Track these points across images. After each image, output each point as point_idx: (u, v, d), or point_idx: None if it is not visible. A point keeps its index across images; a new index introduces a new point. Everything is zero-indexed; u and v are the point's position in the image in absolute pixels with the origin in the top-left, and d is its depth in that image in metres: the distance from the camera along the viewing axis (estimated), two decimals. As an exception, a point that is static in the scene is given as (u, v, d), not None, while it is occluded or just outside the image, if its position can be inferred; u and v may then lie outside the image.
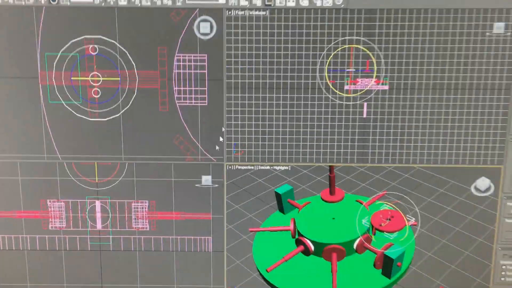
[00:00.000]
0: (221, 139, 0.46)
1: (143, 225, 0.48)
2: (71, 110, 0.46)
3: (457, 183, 0.46)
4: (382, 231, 0.47)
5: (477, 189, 0.46)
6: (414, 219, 0.47)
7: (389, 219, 0.47)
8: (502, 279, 0.47)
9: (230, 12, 0.44)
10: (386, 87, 0.45)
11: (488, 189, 0.46)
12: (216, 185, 0.47)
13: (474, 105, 0.45)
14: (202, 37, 0.45)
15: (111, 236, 0.48)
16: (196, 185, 0.47)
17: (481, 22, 0.43)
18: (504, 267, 0.47)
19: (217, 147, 0.47)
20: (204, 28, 0.45)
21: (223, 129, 0.46)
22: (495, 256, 0.47)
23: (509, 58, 0.44)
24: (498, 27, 0.43)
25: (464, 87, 0.45)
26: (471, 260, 0.47)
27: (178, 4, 0.44)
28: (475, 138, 0.45)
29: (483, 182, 0.46)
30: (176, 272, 0.49)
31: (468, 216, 0.46)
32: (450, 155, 0.46)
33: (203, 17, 0.45)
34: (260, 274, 0.48)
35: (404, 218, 0.47)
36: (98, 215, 0.48)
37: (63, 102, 0.46)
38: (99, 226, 0.49)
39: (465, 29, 0.44)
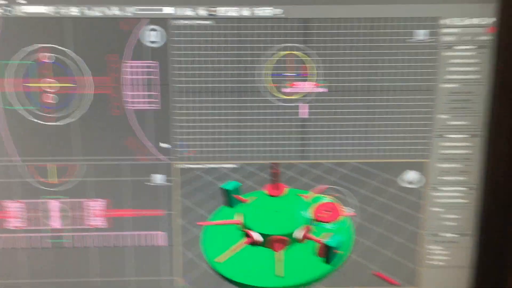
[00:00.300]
0: (166, 145, 0.50)
1: (100, 222, 0.51)
2: (28, 115, 0.49)
3: (389, 176, 0.50)
4: (323, 222, 0.51)
5: (406, 181, 0.51)
6: (352, 210, 0.51)
7: (329, 211, 0.51)
8: (429, 262, 0.52)
9: (176, 22, 0.48)
10: (325, 90, 0.49)
11: (416, 181, 0.50)
12: (169, 183, 0.50)
13: (403, 105, 0.49)
14: (151, 45, 0.48)
15: (70, 234, 0.51)
16: (150, 183, 0.50)
17: (405, 30, 0.48)
18: (431, 251, 0.52)
19: (168, 147, 0.50)
20: (153, 36, 0.48)
21: (173, 131, 0.49)
22: (423, 241, 0.52)
23: (430, 62, 0.48)
24: (420, 33, 0.48)
25: (393, 88, 0.49)
26: (403, 246, 0.52)
27: (128, 14, 0.47)
28: (404, 135, 0.50)
29: (411, 175, 0.50)
30: (132, 266, 0.52)
31: (399, 206, 0.51)
32: (383, 151, 0.50)
33: (151, 26, 0.48)
34: (210, 265, 0.51)
35: (343, 210, 0.51)
36: (57, 214, 0.51)
37: (20, 108, 0.49)
38: (58, 225, 0.51)
39: (392, 36, 0.48)
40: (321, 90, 0.49)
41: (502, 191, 0.50)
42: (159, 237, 0.52)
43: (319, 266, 0.51)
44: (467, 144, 0.50)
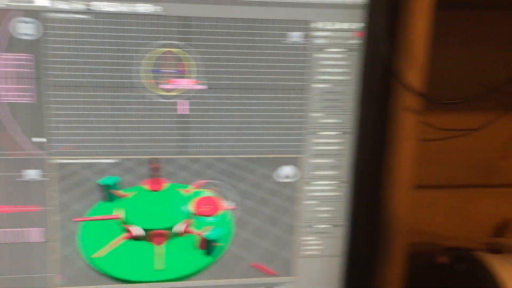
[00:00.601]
0: (41, 139, 0.49)
1: (-30, 220, 0.49)
2: None
3: (266, 171, 0.53)
4: (203, 216, 0.52)
5: (282, 175, 0.53)
6: (232, 203, 0.53)
7: (209, 205, 0.52)
8: (304, 252, 0.55)
9: (51, 15, 0.47)
10: (204, 87, 0.51)
11: (291, 176, 0.53)
12: (45, 179, 0.50)
13: (278, 103, 0.52)
14: (25, 37, 0.47)
15: None
16: (24, 179, 0.49)
17: (280, 32, 0.50)
18: (306, 242, 0.55)
19: (43, 142, 0.49)
20: (27, 29, 0.47)
21: (49, 125, 0.49)
22: (299, 233, 0.55)
23: (303, 63, 0.51)
24: (294, 35, 0.51)
25: (269, 87, 0.51)
26: (280, 237, 0.54)
27: (1, 6, 0.46)
28: (280, 131, 0.52)
29: (287, 170, 0.53)
30: (6, 264, 0.51)
31: (276, 199, 0.53)
32: (261, 147, 0.52)
33: (25, 18, 0.47)
34: (88, 261, 0.51)
35: (223, 203, 0.53)
36: None
37: None
38: None
39: (267, 37, 0.50)
40: (200, 87, 0.51)
41: (370, 184, 0.54)
42: (35, 234, 0.51)
43: (200, 259, 0.53)
44: (339, 140, 0.53)
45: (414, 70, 0.50)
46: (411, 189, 0.53)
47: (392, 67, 0.51)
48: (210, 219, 0.53)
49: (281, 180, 0.53)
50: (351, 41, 0.51)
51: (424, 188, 0.70)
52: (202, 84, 0.50)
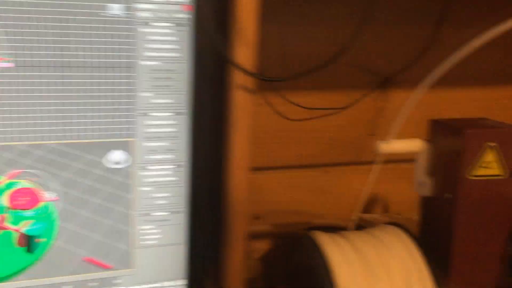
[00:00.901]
0: None
1: None
2: None
3: (93, 157, 0.48)
4: (20, 209, 0.47)
5: (112, 161, 0.49)
6: (54, 194, 0.48)
7: (26, 197, 0.47)
8: (142, 242, 0.52)
9: None
10: (10, 65, 0.45)
11: (122, 161, 0.49)
12: None
13: (103, 82, 0.47)
14: None
15: None
16: None
17: (99, 3, 0.45)
18: (143, 231, 0.51)
19: None
20: None
21: None
22: (134, 222, 0.51)
23: (128, 38, 0.47)
24: (114, 7, 0.46)
25: (91, 65, 0.47)
26: (113, 228, 0.50)
27: None
28: (107, 113, 0.48)
29: (117, 155, 0.49)
30: None
31: (106, 188, 0.49)
32: (85, 131, 0.48)
33: None
34: None
35: (42, 195, 0.48)
36: None
37: None
38: None
39: (84, 8, 0.45)
40: (6, 65, 0.45)
41: (208, 167, 0.52)
42: None
43: (20, 257, 0.47)
44: (173, 122, 0.50)
45: (244, 48, 0.48)
46: (247, 170, 0.52)
47: (221, 44, 0.48)
48: (28, 212, 0.47)
49: (111, 166, 0.49)
50: (179, 15, 0.48)
51: (293, 168, 0.69)
52: (8, 61, 0.45)
